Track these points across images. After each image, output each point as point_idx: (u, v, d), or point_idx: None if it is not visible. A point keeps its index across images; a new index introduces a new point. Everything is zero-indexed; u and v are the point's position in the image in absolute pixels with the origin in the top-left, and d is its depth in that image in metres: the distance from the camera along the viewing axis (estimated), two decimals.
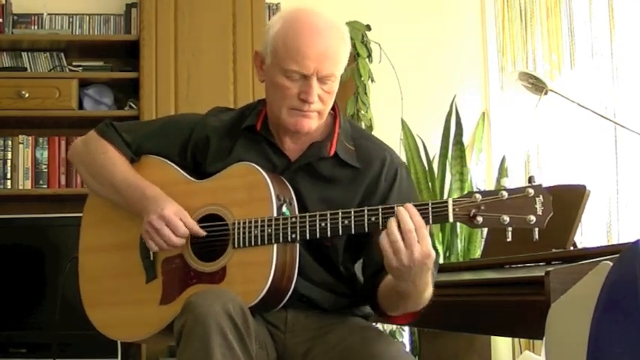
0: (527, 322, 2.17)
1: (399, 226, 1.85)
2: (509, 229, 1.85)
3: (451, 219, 1.87)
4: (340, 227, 1.96)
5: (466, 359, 3.57)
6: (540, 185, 1.85)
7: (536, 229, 1.84)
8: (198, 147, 2.20)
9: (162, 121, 2.37)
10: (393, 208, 1.90)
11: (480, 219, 1.85)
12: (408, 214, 1.86)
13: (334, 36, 2.07)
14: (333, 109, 2.18)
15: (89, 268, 2.27)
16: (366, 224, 1.94)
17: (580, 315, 1.71)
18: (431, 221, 1.89)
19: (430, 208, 1.88)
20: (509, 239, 1.86)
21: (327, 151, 2.13)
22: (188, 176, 2.18)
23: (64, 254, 3.93)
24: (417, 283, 1.91)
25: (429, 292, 2.00)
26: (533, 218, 1.83)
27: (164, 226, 2.06)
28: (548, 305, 1.92)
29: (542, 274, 2.01)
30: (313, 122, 2.09)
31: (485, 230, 3.31)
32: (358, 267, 2.19)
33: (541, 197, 1.83)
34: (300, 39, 2.03)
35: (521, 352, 4.19)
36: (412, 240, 1.84)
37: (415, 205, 1.89)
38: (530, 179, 1.87)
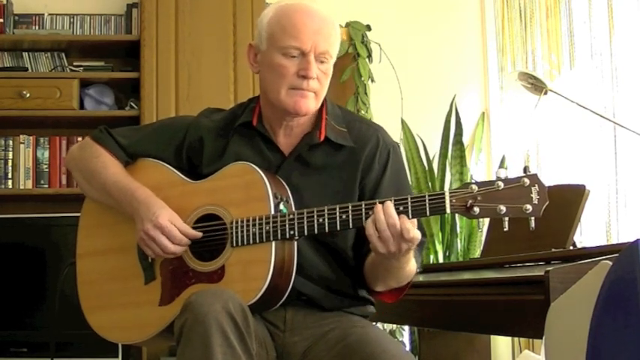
0: (527, 322, 2.17)
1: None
2: (506, 218, 1.87)
3: (448, 210, 1.89)
4: (338, 222, 1.97)
5: (466, 358, 3.58)
6: (535, 175, 1.87)
7: (533, 218, 1.86)
8: (193, 148, 2.21)
9: (156, 125, 2.39)
10: (390, 201, 1.92)
11: (476, 209, 1.87)
12: (383, 215, 1.89)
13: (326, 19, 2.13)
14: None
15: (87, 272, 2.27)
16: (363, 218, 1.95)
17: (579, 314, 1.71)
18: (428, 213, 1.91)
19: (427, 201, 1.90)
20: (505, 229, 1.88)
21: (317, 137, 2.15)
22: (185, 177, 2.19)
23: (64, 254, 3.93)
24: (401, 260, 1.96)
25: (412, 264, 2.04)
26: (529, 207, 1.85)
27: (160, 234, 2.07)
28: (548, 305, 1.92)
29: (542, 273, 2.01)
30: (311, 103, 2.11)
31: (485, 229, 3.31)
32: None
33: (536, 186, 1.86)
34: (295, 18, 2.09)
35: (520, 352, 4.20)
36: (396, 232, 1.88)
37: (412, 198, 1.91)
38: (525, 169, 1.89)
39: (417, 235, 1.89)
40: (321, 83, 2.11)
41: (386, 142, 2.20)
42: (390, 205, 1.90)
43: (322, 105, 2.19)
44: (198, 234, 2.10)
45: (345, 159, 2.15)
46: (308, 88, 2.08)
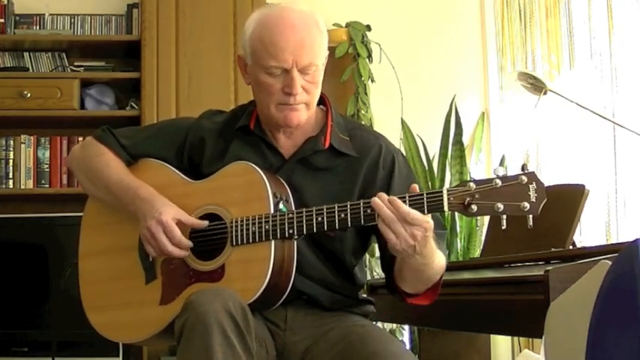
0: (527, 321, 2.18)
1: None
2: (504, 216, 1.87)
3: (446, 208, 1.88)
4: (337, 221, 1.97)
5: (466, 358, 3.59)
6: (533, 173, 1.87)
7: (530, 216, 1.85)
8: (194, 149, 2.22)
9: (158, 126, 2.40)
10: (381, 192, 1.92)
11: (474, 207, 1.87)
12: (384, 204, 1.88)
13: (309, 26, 2.09)
14: (324, 104, 2.21)
15: (89, 271, 2.28)
16: (362, 217, 1.95)
17: (579, 314, 1.71)
18: (426, 211, 1.90)
19: (425, 199, 1.90)
20: (503, 227, 1.87)
21: (322, 144, 2.15)
22: (185, 177, 2.20)
23: (66, 253, 3.93)
24: (424, 253, 1.94)
25: (438, 258, 2.01)
26: (527, 205, 1.84)
27: (161, 232, 2.07)
28: (548, 304, 1.93)
29: (542, 273, 2.02)
30: (302, 114, 2.11)
31: (485, 229, 3.32)
32: (360, 264, 2.22)
33: (534, 184, 1.85)
34: (275, 35, 2.06)
35: (520, 351, 4.20)
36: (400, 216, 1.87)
37: (410, 196, 1.91)
38: (523, 167, 1.89)
39: (418, 215, 1.87)
40: (310, 93, 2.10)
41: (389, 149, 2.20)
42: (382, 194, 1.90)
43: (327, 111, 2.20)
44: (204, 223, 2.10)
45: (346, 165, 2.16)
46: (295, 102, 2.08)
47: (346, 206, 1.96)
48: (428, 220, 1.89)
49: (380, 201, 1.89)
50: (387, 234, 1.89)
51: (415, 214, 1.87)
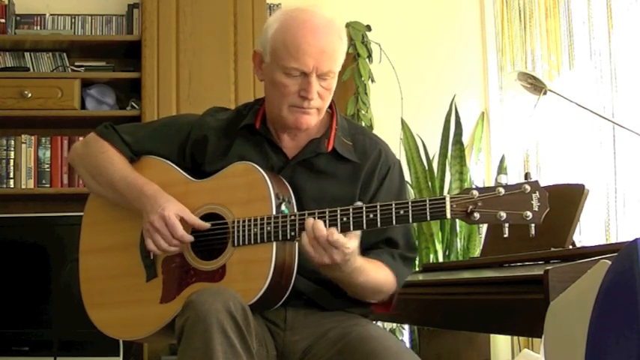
0: (527, 321, 2.18)
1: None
2: (506, 225, 1.87)
3: (449, 215, 1.89)
4: (339, 224, 1.97)
5: (466, 357, 3.59)
6: (537, 182, 1.87)
7: (533, 225, 1.86)
8: (197, 146, 2.22)
9: (160, 122, 2.39)
10: (390, 205, 1.93)
11: (477, 215, 1.87)
12: (312, 228, 1.94)
13: (332, 33, 2.09)
14: (330, 107, 2.21)
15: (89, 268, 2.28)
16: (364, 222, 1.95)
17: (579, 313, 1.72)
18: (429, 218, 1.92)
19: (428, 205, 1.90)
20: (506, 235, 1.88)
21: (325, 147, 2.16)
22: (188, 176, 2.20)
23: (66, 253, 3.93)
24: (344, 270, 1.98)
25: (366, 280, 2.06)
26: (529, 214, 1.85)
27: (164, 226, 2.07)
28: (547, 303, 1.93)
29: (541, 272, 2.02)
30: (312, 119, 2.11)
31: (485, 229, 3.32)
32: None
33: (537, 193, 1.85)
34: (298, 37, 2.05)
35: (520, 350, 4.21)
36: (325, 244, 1.93)
37: (413, 202, 1.92)
38: (527, 176, 1.89)
39: (340, 239, 1.92)
40: (324, 99, 2.11)
41: (387, 159, 2.21)
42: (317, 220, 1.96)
43: (332, 114, 2.21)
44: (206, 225, 2.10)
45: (347, 171, 2.17)
46: (309, 107, 2.09)
47: (349, 210, 1.97)
48: (345, 242, 1.93)
49: (310, 225, 1.94)
50: (306, 248, 1.95)
51: (337, 236, 1.92)
